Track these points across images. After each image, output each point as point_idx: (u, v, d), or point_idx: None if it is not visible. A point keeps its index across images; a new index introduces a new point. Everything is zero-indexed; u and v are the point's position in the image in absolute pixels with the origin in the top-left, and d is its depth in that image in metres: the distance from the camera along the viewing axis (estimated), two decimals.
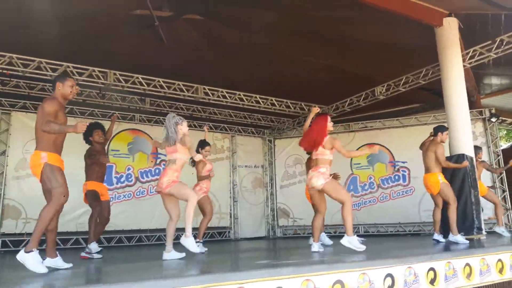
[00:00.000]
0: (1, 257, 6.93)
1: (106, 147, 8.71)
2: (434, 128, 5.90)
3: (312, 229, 4.90)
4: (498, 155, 9.36)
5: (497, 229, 6.92)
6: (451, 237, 5.39)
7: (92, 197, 5.45)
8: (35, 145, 3.82)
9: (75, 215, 7.98)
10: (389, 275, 3.39)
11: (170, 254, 4.49)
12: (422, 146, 6.02)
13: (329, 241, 6.27)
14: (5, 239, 7.70)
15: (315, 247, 4.69)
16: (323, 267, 3.03)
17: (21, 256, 3.40)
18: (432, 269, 3.68)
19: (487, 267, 4.10)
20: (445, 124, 6.13)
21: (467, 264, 3.93)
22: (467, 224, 5.67)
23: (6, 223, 7.75)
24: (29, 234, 7.35)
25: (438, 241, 5.56)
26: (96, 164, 5.50)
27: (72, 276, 3.47)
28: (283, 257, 4.69)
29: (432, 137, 5.89)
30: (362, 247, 4.38)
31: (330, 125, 4.78)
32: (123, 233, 8.88)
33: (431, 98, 9.67)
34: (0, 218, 7.71)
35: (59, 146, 3.79)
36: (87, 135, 5.52)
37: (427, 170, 5.71)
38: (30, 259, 3.38)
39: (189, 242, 4.38)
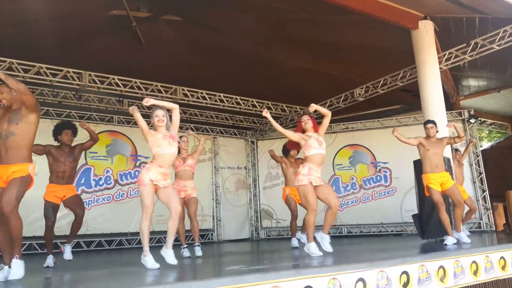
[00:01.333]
0: None
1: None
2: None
3: (306, 227, 4.68)
4: (477, 156, 9.46)
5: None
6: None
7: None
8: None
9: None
10: (361, 279, 3.36)
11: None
12: None
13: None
14: None
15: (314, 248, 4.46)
16: (291, 272, 2.98)
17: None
18: (405, 272, 3.66)
19: (461, 269, 4.10)
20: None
21: (441, 267, 3.92)
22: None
23: None
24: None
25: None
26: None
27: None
28: (254, 262, 4.63)
29: None
30: (319, 253, 4.29)
31: (306, 123, 4.73)
32: (103, 236, 8.74)
33: (412, 99, 9.74)
34: None
35: None
36: (56, 133, 5.29)
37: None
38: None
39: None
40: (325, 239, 4.54)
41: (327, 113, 4.71)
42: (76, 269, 4.65)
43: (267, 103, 9.62)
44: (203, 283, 2.49)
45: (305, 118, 4.77)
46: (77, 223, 5.08)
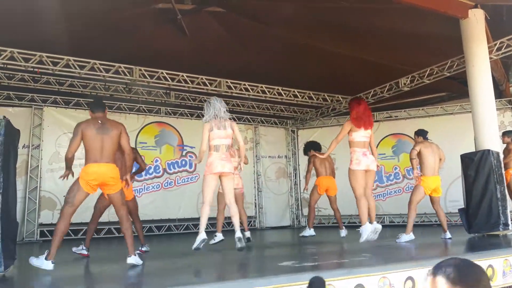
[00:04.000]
0: (40, 246, 7.35)
1: (134, 139, 9.10)
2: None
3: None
4: None
5: None
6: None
7: None
8: (67, 139, 4.12)
9: None
10: (410, 278, 3.46)
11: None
12: None
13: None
14: (43, 229, 8.13)
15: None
16: (342, 271, 3.13)
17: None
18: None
19: (510, 268, 4.10)
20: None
21: (490, 266, 3.94)
22: (492, 220, 5.62)
23: (43, 214, 8.16)
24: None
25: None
26: None
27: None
28: (304, 257, 4.79)
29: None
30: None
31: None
32: (153, 222, 9.21)
33: (458, 87, 9.46)
34: (37, 210, 8.12)
35: None
36: None
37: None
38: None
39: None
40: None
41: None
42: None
43: (309, 93, 9.65)
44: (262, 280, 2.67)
45: None
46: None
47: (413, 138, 6.42)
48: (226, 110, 4.96)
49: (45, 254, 3.88)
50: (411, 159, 6.00)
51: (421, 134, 6.22)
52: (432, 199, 6.04)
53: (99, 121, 4.15)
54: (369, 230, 4.82)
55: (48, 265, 3.83)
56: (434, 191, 5.96)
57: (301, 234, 7.18)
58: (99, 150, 4.03)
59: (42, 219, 8.14)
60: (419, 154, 5.94)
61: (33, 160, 8.34)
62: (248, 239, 5.91)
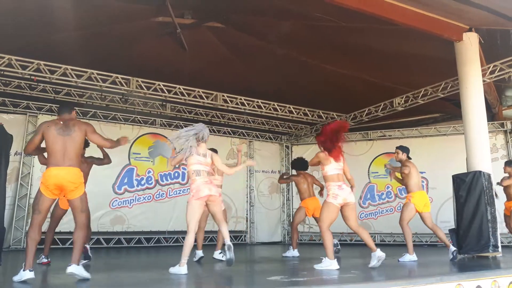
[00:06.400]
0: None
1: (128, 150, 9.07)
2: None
3: None
4: None
5: None
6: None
7: None
8: None
9: (97, 216, 8.27)
10: None
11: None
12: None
13: None
14: None
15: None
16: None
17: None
18: None
19: None
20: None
21: (478, 286, 3.93)
22: (483, 241, 5.63)
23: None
24: (56, 233, 7.68)
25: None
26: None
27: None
28: (293, 273, 4.75)
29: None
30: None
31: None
32: (142, 234, 9.13)
33: (452, 108, 9.57)
34: (26, 217, 8.02)
35: None
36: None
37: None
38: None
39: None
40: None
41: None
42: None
43: (304, 109, 9.71)
44: None
45: None
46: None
47: (395, 152, 6.11)
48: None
49: (23, 267, 3.76)
50: (404, 174, 5.91)
51: (406, 151, 6.07)
52: (423, 216, 5.92)
53: (61, 122, 3.93)
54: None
55: (27, 274, 3.70)
56: (424, 207, 5.90)
57: (284, 254, 6.91)
58: (61, 153, 3.81)
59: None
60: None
61: (25, 167, 8.28)
62: (201, 258, 5.72)
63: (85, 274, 3.79)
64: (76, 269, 3.74)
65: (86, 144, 4.97)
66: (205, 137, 4.61)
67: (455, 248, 5.62)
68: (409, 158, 6.06)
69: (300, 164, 7.16)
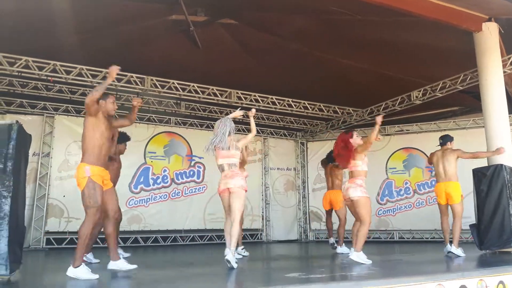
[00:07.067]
0: (46, 254, 7.35)
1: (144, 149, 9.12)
2: (442, 137, 6.04)
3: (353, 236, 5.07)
4: None
5: None
6: (453, 249, 5.50)
7: None
8: (77, 148, 4.07)
9: None
10: None
11: None
12: (432, 158, 6.09)
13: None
14: (49, 237, 8.14)
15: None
16: (349, 284, 3.05)
17: (72, 272, 3.67)
18: (463, 287, 3.60)
19: None
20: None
21: (501, 282, 3.82)
22: (505, 237, 5.48)
23: (50, 221, 8.18)
24: (71, 233, 7.72)
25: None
26: None
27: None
28: (310, 269, 4.70)
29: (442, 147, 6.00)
30: (369, 261, 4.62)
31: (356, 139, 4.98)
32: (159, 233, 9.17)
33: (471, 101, 9.35)
34: (44, 217, 8.14)
35: (103, 158, 4.01)
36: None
37: (448, 178, 5.76)
38: (81, 272, 3.67)
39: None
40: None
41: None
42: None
43: (319, 105, 9.63)
44: None
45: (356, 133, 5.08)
46: None
47: (447, 144, 6.04)
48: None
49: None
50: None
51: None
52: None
53: None
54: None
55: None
56: (450, 199, 5.71)
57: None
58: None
59: (48, 227, 8.15)
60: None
61: (43, 167, 8.40)
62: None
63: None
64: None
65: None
66: (231, 132, 4.64)
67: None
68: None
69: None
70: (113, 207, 4.33)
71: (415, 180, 9.86)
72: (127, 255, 5.73)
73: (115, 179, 5.17)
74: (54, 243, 8.11)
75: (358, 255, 4.67)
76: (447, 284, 3.50)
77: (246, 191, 4.51)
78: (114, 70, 3.98)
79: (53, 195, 8.29)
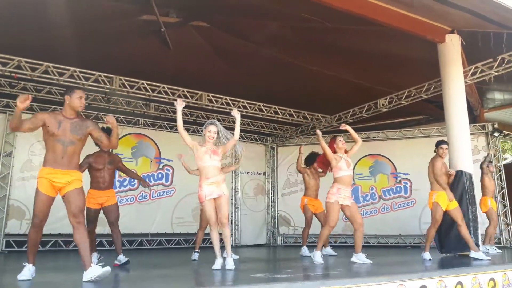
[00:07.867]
0: (5, 257, 7.05)
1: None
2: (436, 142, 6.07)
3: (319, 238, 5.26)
4: (500, 170, 9.36)
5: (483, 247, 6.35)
6: (473, 254, 5.42)
7: None
8: (40, 147, 3.92)
9: None
10: None
11: None
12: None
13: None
14: (9, 239, 7.81)
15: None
16: (313, 283, 3.09)
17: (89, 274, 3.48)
18: (423, 287, 3.72)
19: (479, 286, 4.13)
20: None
21: (459, 283, 3.96)
22: (463, 241, 5.68)
23: (11, 223, 7.86)
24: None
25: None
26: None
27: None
28: (277, 270, 4.73)
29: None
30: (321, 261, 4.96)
31: (339, 144, 5.21)
32: (125, 236, 8.93)
33: (435, 110, 9.71)
34: (4, 219, 7.82)
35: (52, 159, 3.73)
36: None
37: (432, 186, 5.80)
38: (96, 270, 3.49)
39: None
40: (361, 256, 5.11)
41: (358, 140, 5.18)
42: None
43: (289, 110, 9.73)
44: None
45: (341, 139, 5.25)
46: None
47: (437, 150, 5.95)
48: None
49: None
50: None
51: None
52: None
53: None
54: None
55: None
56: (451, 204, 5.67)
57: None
58: None
59: (9, 229, 7.83)
60: None
61: (4, 167, 8.09)
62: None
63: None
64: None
65: None
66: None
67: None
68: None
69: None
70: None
71: (381, 186, 10.10)
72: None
73: None
74: (15, 246, 7.79)
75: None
76: (408, 284, 3.60)
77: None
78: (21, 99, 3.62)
79: (14, 196, 7.99)
